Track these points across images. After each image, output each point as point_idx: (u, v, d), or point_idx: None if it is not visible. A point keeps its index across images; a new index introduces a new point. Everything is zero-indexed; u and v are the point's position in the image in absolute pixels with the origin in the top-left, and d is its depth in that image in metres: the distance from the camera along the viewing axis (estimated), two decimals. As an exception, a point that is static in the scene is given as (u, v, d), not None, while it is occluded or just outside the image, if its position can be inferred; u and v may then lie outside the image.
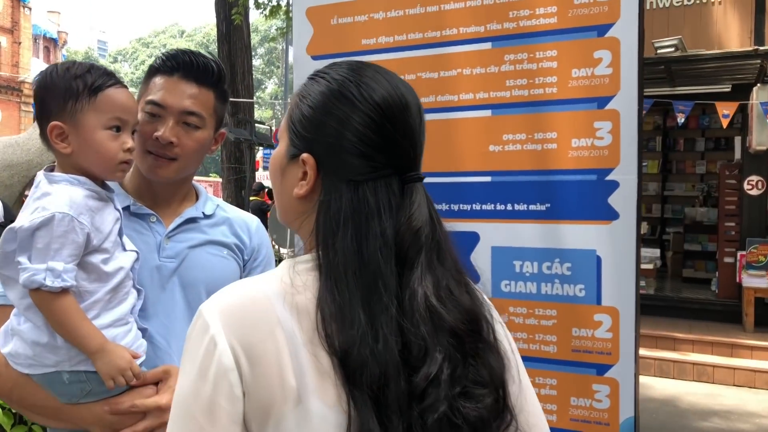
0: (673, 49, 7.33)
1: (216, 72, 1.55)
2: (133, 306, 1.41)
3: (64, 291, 1.25)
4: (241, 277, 1.61)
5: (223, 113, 1.62)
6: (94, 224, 1.31)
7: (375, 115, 0.91)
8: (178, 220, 1.57)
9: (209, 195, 1.72)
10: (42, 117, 1.37)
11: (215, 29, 10.94)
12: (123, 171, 1.40)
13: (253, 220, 1.74)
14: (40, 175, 1.36)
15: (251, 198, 11.45)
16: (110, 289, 1.34)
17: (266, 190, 12.34)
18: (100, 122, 1.34)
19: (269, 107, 44.55)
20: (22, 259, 1.26)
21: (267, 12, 10.87)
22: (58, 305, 1.26)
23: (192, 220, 1.59)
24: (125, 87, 1.41)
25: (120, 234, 1.41)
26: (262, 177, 14.76)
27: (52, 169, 1.39)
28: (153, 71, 1.55)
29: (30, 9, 28.55)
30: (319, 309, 0.84)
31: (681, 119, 7.43)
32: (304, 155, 0.93)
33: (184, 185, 1.64)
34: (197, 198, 1.69)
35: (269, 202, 11.91)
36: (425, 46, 1.99)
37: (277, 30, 13.80)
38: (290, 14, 10.54)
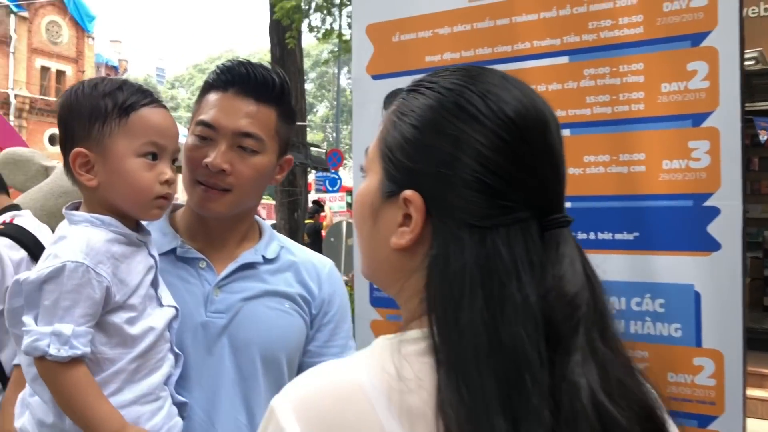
0: (753, 62, 6.95)
1: (278, 86, 1.29)
2: (168, 376, 1.16)
3: (75, 361, 1.02)
4: (308, 337, 1.36)
5: (289, 136, 1.37)
6: (118, 275, 1.09)
7: (508, 136, 0.68)
8: (232, 266, 1.30)
9: (275, 234, 1.45)
10: (66, 143, 1.15)
11: (269, 54, 11.08)
12: (160, 208, 1.16)
13: (326, 265, 1.44)
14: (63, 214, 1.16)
15: (306, 221, 11.47)
16: (137, 356, 1.10)
17: (322, 212, 12.33)
18: (132, 148, 1.12)
19: (320, 130, 45.13)
20: (27, 320, 1.04)
21: (320, 35, 10.96)
22: (65, 379, 1.02)
23: (249, 266, 1.32)
24: (163, 106, 1.19)
25: (155, 285, 1.18)
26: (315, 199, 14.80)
27: (77, 207, 1.17)
28: (206, 87, 1.32)
29: (93, 39, 29.76)
30: (440, 416, 0.60)
31: (763, 137, 7.04)
32: (408, 193, 0.69)
33: (243, 222, 1.36)
34: (260, 237, 1.41)
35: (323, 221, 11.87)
36: (495, 61, 1.85)
37: (329, 53, 13.91)
38: (342, 37, 10.59)
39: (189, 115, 1.38)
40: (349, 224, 7.69)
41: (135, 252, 1.15)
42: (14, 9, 25.16)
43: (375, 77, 2.05)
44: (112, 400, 1.06)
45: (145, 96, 1.16)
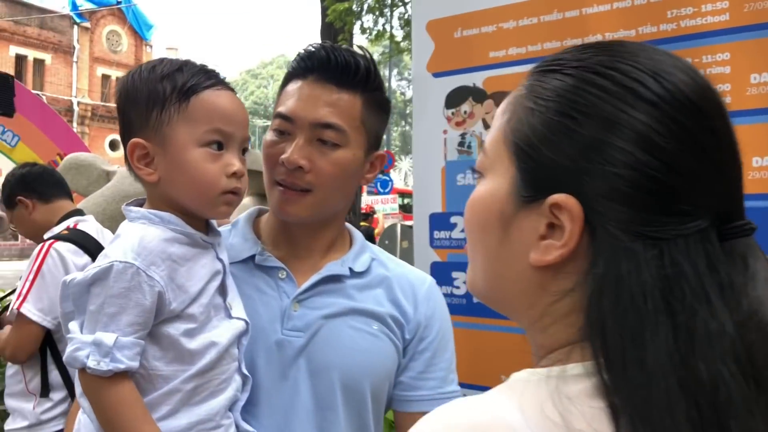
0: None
1: (362, 69, 1.13)
2: (234, 401, 1.02)
3: (119, 376, 0.90)
4: (399, 366, 1.17)
5: (379, 128, 1.19)
6: (176, 280, 0.95)
7: (691, 123, 0.54)
8: (314, 278, 1.14)
9: (368, 244, 1.27)
10: (125, 134, 1.04)
11: (320, 57, 11.12)
12: (228, 204, 1.02)
13: (424, 282, 1.24)
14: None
15: (361, 223, 11.43)
16: (195, 375, 0.96)
17: (375, 215, 12.25)
18: (194, 137, 0.98)
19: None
20: (72, 326, 0.94)
21: (372, 37, 10.94)
22: (107, 395, 0.90)
23: (334, 279, 1.16)
24: (230, 89, 1.06)
25: (223, 294, 1.04)
26: (366, 201, 14.79)
27: (141, 204, 1.06)
28: (287, 77, 1.18)
29: (151, 47, 30.61)
30: None
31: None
32: (559, 197, 0.55)
33: (329, 229, 1.20)
34: (350, 247, 1.24)
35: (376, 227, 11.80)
36: (564, 55, 1.75)
37: (380, 55, 13.89)
38: (395, 39, 10.55)
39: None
40: (403, 226, 7.62)
41: (199, 254, 1.01)
42: (77, 20, 26.10)
43: (436, 75, 1.98)
44: (163, 424, 0.93)
45: (209, 77, 1.02)
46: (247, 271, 1.15)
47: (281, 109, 1.13)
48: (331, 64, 1.11)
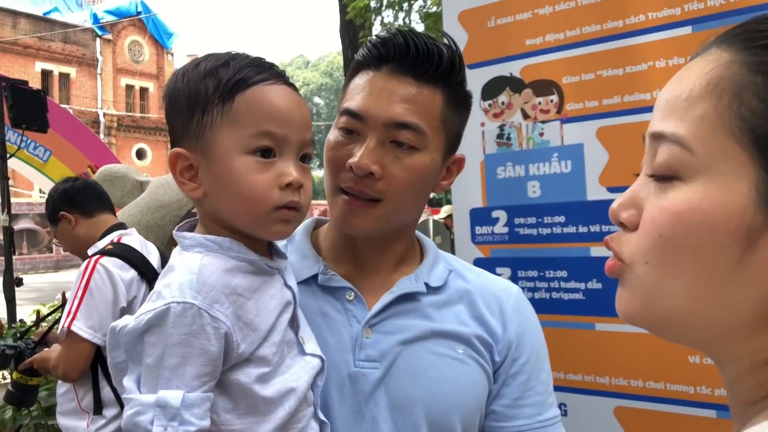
0: None
1: (446, 60, 0.98)
2: None
3: None
4: (491, 393, 1.03)
5: (459, 128, 1.05)
6: (243, 317, 0.81)
7: None
8: (387, 298, 1.00)
9: (442, 253, 1.12)
10: (172, 145, 0.92)
11: (339, 56, 11.13)
12: (285, 222, 0.86)
13: (511, 293, 1.09)
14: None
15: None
16: (276, 429, 0.83)
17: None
18: (239, 142, 0.84)
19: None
20: (128, 383, 0.80)
21: (393, 32, 10.91)
22: None
23: (408, 298, 1.02)
24: (287, 83, 0.89)
25: (295, 327, 0.90)
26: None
27: (193, 227, 0.92)
28: (355, 68, 1.03)
29: (172, 55, 30.94)
30: None
31: None
32: None
33: (399, 241, 1.06)
34: (421, 259, 1.09)
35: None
36: (605, 39, 1.70)
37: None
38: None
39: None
40: (435, 222, 7.56)
41: (265, 284, 0.87)
42: (99, 32, 26.49)
43: (470, 66, 1.92)
44: None
45: (260, 70, 0.87)
46: (309, 293, 1.01)
47: (349, 104, 0.98)
48: (410, 53, 0.96)
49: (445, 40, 1.00)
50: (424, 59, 0.96)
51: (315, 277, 1.02)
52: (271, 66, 0.89)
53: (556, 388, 1.86)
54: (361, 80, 1.00)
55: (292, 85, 0.90)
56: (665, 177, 0.52)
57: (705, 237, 0.50)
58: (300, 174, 0.86)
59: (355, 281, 1.02)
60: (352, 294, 1.01)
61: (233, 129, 0.84)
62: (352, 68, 1.04)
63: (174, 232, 0.91)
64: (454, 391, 0.97)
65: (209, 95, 0.85)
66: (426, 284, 1.03)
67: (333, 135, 1.01)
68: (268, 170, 0.84)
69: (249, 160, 0.84)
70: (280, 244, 1.06)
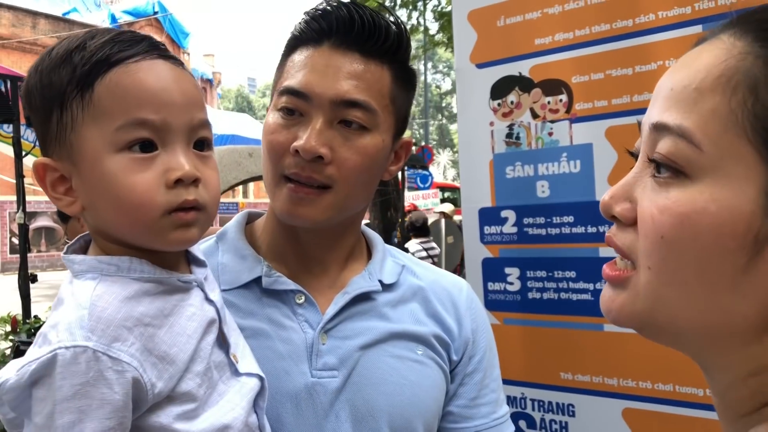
0: None
1: (393, 35, 0.91)
2: None
3: None
4: (447, 393, 0.98)
5: (407, 108, 0.98)
6: (156, 351, 0.67)
7: None
8: (341, 299, 0.92)
9: (389, 248, 1.05)
10: (42, 153, 0.75)
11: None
12: (184, 227, 0.71)
13: (461, 288, 1.05)
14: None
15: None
16: None
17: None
18: (107, 138, 0.68)
19: (408, 127, 45.19)
20: None
21: (406, 32, 10.91)
22: None
23: (364, 297, 0.94)
24: (164, 56, 0.73)
25: (224, 346, 0.77)
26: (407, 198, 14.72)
27: (85, 246, 0.76)
28: (292, 44, 0.93)
29: (189, 54, 31.15)
30: None
31: None
32: None
33: (348, 235, 0.98)
34: (369, 254, 1.02)
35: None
36: (614, 38, 1.68)
37: (416, 49, 13.84)
38: (429, 32, 10.47)
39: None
40: (447, 222, 7.56)
41: (181, 303, 0.72)
42: (116, 32, 26.71)
43: (480, 66, 1.93)
44: None
45: (123, 47, 0.70)
46: (253, 299, 0.91)
47: (290, 82, 0.88)
48: (355, 26, 0.88)
49: (389, 16, 0.94)
50: (370, 33, 0.89)
51: (257, 279, 0.92)
52: (143, 39, 0.73)
53: (565, 389, 1.86)
54: (300, 56, 0.90)
55: (171, 58, 0.74)
56: (667, 168, 0.49)
57: (710, 241, 0.47)
58: (194, 165, 0.71)
59: (302, 281, 0.93)
60: (302, 297, 0.91)
61: (98, 124, 0.68)
62: (288, 45, 0.94)
63: (62, 255, 0.76)
64: (417, 395, 0.91)
65: (64, 87, 0.69)
66: (380, 281, 0.96)
67: (272, 117, 0.90)
68: (150, 167, 0.69)
69: (123, 158, 0.68)
70: (210, 243, 0.97)
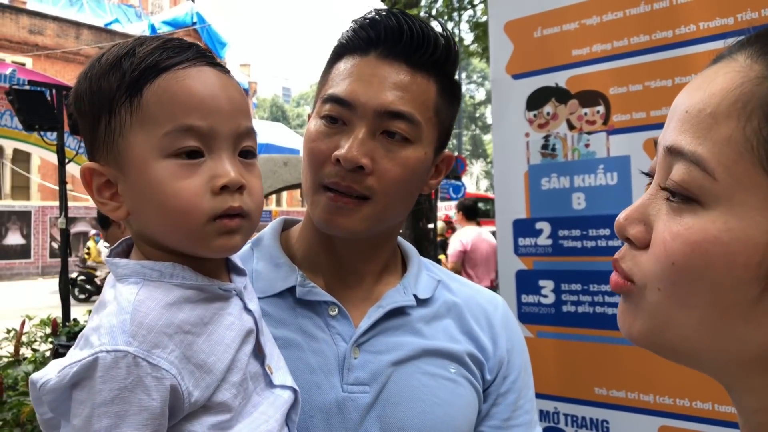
0: None
1: (442, 47, 0.89)
2: None
3: None
4: (479, 413, 0.95)
5: (451, 120, 0.95)
6: (193, 359, 0.67)
7: None
8: (375, 313, 0.90)
9: (424, 261, 1.03)
10: (89, 159, 0.75)
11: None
12: (229, 234, 0.71)
13: (497, 306, 1.02)
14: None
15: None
16: None
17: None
18: (154, 144, 0.68)
19: (441, 137, 45.08)
20: None
21: (440, 43, 10.96)
22: None
23: (398, 312, 0.92)
24: (211, 64, 0.73)
25: (260, 357, 0.76)
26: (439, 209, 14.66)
27: (128, 250, 0.76)
28: (338, 52, 0.92)
29: (226, 64, 31.65)
30: None
31: None
32: None
33: (384, 247, 0.96)
34: (404, 267, 1.00)
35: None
36: (654, 49, 1.66)
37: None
38: (463, 42, 10.47)
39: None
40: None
41: (220, 312, 0.72)
42: (156, 42, 27.29)
43: (515, 77, 1.92)
44: None
45: (172, 53, 0.70)
46: (285, 308, 0.89)
47: (335, 90, 0.87)
48: (403, 37, 0.86)
49: (437, 26, 0.91)
50: (418, 44, 0.87)
51: (291, 289, 0.90)
52: (190, 46, 0.73)
53: (599, 405, 1.83)
54: (346, 65, 0.89)
55: (218, 66, 0.74)
56: (680, 195, 0.48)
57: (722, 271, 0.46)
58: (239, 172, 0.71)
59: (335, 293, 0.91)
60: (336, 309, 0.89)
61: (146, 130, 0.68)
62: (334, 52, 0.93)
63: (105, 258, 0.75)
64: (449, 414, 0.88)
65: (113, 92, 0.69)
66: (415, 296, 0.94)
67: (314, 124, 0.89)
68: (196, 173, 0.68)
69: (170, 164, 0.68)
70: (245, 250, 0.96)
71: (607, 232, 1.76)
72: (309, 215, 0.92)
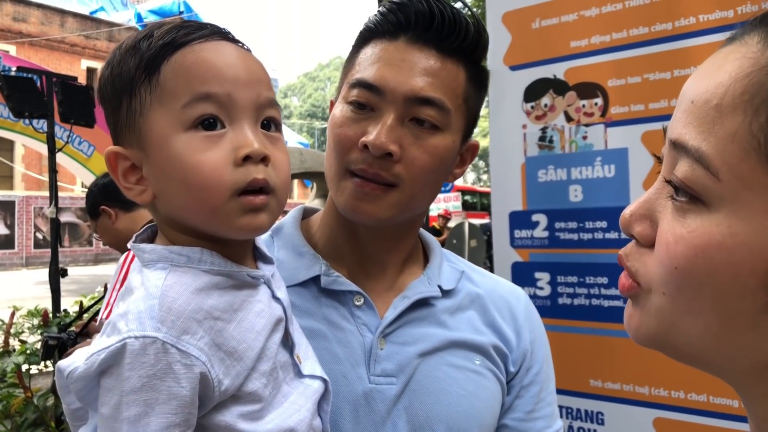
0: None
1: (472, 33, 0.86)
2: None
3: None
4: (503, 406, 0.94)
5: (478, 108, 0.93)
6: (225, 346, 0.65)
7: None
8: (401, 304, 0.89)
9: (445, 252, 1.02)
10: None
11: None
12: (254, 213, 0.67)
13: (519, 297, 1.01)
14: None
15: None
16: None
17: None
18: (174, 118, 0.66)
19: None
20: None
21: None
22: None
23: (423, 303, 0.91)
24: (230, 39, 0.72)
25: (289, 347, 0.74)
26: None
27: (154, 234, 0.75)
28: (364, 37, 0.90)
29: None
30: None
31: None
32: None
33: (408, 236, 0.95)
34: (426, 258, 0.99)
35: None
36: (653, 42, 1.66)
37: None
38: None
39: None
40: (470, 225, 7.53)
41: (249, 299, 0.70)
42: (142, 31, 27.04)
43: (513, 68, 1.92)
44: None
45: (190, 31, 0.69)
46: (309, 298, 0.88)
47: (364, 75, 0.85)
48: (435, 22, 0.84)
49: (468, 12, 0.90)
50: (450, 30, 0.85)
51: (315, 278, 0.89)
52: (208, 25, 0.72)
53: (594, 397, 1.83)
54: (374, 49, 0.87)
55: (237, 42, 0.73)
56: (684, 193, 0.45)
57: (727, 278, 0.43)
58: (263, 143, 0.68)
59: (359, 282, 0.90)
60: (362, 299, 0.88)
61: (164, 105, 0.67)
62: (360, 36, 0.90)
63: (130, 243, 0.73)
64: (474, 407, 0.88)
65: (132, 74, 0.68)
66: (439, 287, 0.93)
67: (340, 110, 0.87)
68: (217, 145, 0.66)
69: (190, 137, 0.66)
70: (265, 238, 0.93)
71: (604, 224, 1.76)
72: (332, 203, 0.91)
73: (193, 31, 0.69)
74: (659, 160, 0.52)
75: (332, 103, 0.92)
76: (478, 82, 0.90)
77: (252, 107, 0.68)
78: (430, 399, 0.85)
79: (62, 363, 0.65)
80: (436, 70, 0.84)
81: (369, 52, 0.87)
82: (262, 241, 0.80)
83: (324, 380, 0.75)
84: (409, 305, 0.89)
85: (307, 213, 1.02)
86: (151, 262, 0.68)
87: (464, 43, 0.86)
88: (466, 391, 0.88)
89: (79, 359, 0.63)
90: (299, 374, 0.73)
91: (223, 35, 0.71)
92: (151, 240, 0.74)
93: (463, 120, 0.89)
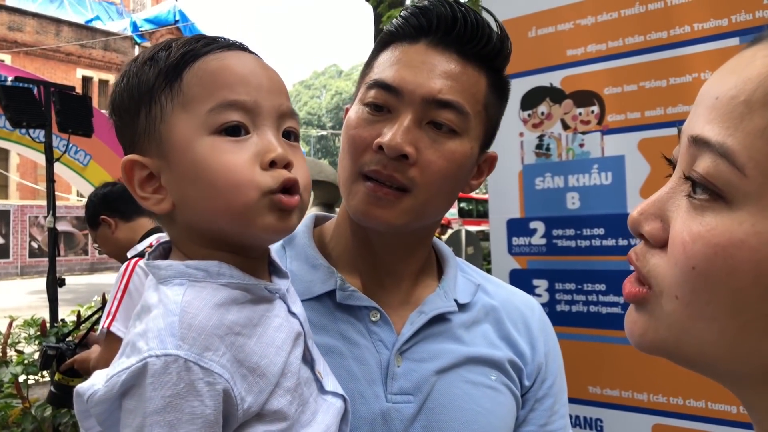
0: None
1: (495, 39, 0.85)
2: None
3: None
4: (517, 420, 0.92)
5: (498, 118, 0.90)
6: (247, 362, 0.63)
7: None
8: (418, 320, 0.86)
9: (459, 262, 0.99)
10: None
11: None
12: (282, 213, 0.66)
13: (533, 308, 0.99)
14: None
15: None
16: None
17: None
18: (199, 122, 0.66)
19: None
20: None
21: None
22: None
23: (440, 318, 0.88)
24: (249, 51, 0.73)
25: (309, 362, 0.72)
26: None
27: (168, 251, 0.74)
28: (384, 41, 0.88)
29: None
30: None
31: None
32: None
33: (422, 245, 0.92)
34: (440, 269, 0.96)
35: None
36: (648, 50, 1.68)
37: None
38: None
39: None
40: (467, 232, 7.54)
41: (268, 314, 0.68)
42: (138, 40, 27.07)
43: (510, 76, 1.92)
44: None
45: (209, 41, 0.70)
46: (324, 312, 0.85)
47: (382, 76, 0.83)
48: (457, 25, 0.82)
49: (490, 19, 0.87)
50: (472, 34, 0.83)
51: (330, 293, 0.86)
52: (225, 38, 0.72)
53: (593, 404, 1.84)
54: (394, 52, 0.85)
55: (255, 54, 0.73)
56: (704, 189, 0.43)
57: (748, 279, 0.41)
58: (282, 149, 0.67)
59: (373, 295, 0.87)
60: (378, 314, 0.85)
61: (188, 111, 0.66)
62: (380, 41, 0.88)
63: (144, 261, 0.71)
64: (491, 424, 0.85)
65: (152, 82, 0.68)
66: (456, 301, 0.90)
67: (356, 111, 0.85)
68: (243, 148, 0.65)
69: (215, 140, 0.65)
70: (276, 248, 0.91)
71: (601, 231, 1.77)
72: (345, 211, 0.88)
73: (211, 42, 0.70)
74: (669, 162, 0.51)
75: (347, 110, 0.91)
76: (499, 90, 0.88)
77: (275, 116, 0.68)
78: (448, 417, 0.83)
79: (81, 387, 0.64)
80: (456, 74, 0.82)
81: (388, 54, 0.85)
82: (274, 251, 0.78)
83: (344, 398, 0.74)
84: (427, 321, 0.86)
85: (318, 220, 0.99)
86: (168, 279, 0.66)
87: (486, 49, 0.84)
88: (483, 408, 0.85)
89: (98, 382, 0.62)
90: (322, 390, 0.72)
91: (241, 47, 0.72)
92: (164, 257, 0.72)
93: (482, 127, 0.86)
